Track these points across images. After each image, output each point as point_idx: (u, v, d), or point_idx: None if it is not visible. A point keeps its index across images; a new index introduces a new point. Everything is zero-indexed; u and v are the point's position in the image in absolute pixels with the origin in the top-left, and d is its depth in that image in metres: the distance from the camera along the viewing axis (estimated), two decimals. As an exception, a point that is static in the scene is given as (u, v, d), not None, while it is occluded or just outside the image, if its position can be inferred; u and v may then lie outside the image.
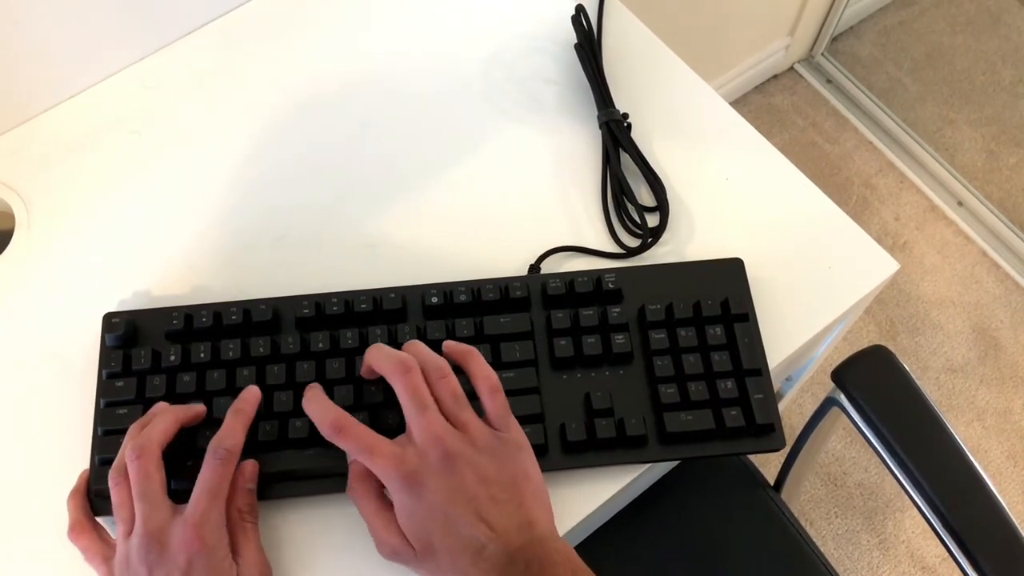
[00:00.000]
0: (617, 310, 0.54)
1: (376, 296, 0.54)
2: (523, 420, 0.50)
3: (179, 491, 0.47)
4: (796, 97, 1.63)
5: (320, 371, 0.52)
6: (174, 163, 0.65)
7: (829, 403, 0.68)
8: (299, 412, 0.51)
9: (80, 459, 0.52)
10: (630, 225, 0.60)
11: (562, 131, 0.65)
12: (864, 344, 0.68)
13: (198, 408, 0.50)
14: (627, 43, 0.69)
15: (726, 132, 0.64)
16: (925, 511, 0.61)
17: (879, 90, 1.60)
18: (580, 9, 0.67)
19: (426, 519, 0.43)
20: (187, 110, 0.67)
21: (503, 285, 0.55)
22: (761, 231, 0.60)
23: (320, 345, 0.53)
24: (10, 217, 0.63)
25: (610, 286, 0.55)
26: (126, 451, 0.46)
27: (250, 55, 0.70)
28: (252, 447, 0.50)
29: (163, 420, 0.48)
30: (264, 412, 0.51)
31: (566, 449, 0.51)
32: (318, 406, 0.47)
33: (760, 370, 0.53)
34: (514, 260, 0.59)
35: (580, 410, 0.52)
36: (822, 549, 0.98)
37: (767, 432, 0.52)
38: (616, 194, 0.61)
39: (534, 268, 0.58)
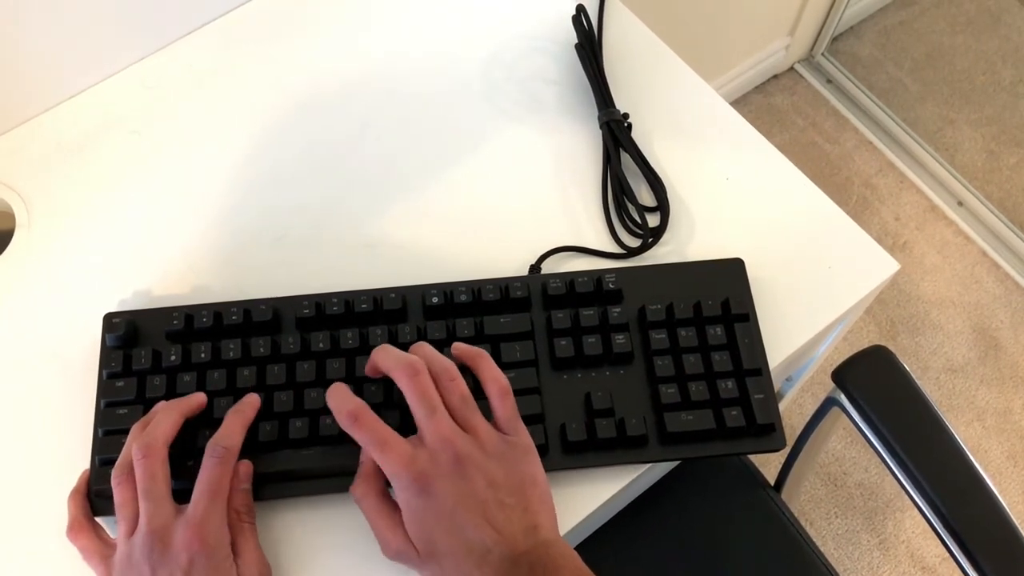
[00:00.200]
0: (617, 310, 0.54)
1: (376, 296, 0.54)
2: (524, 420, 0.50)
3: (179, 491, 0.47)
4: (796, 97, 1.63)
5: (320, 371, 0.52)
6: (174, 163, 0.65)
7: (829, 403, 0.68)
8: (299, 412, 0.51)
9: (80, 459, 0.52)
10: (630, 225, 0.60)
11: (562, 131, 0.65)
12: (864, 344, 0.68)
13: (199, 397, 0.50)
14: (627, 43, 0.69)
15: (726, 132, 0.64)
16: (925, 511, 0.61)
17: (879, 90, 1.60)
18: (580, 9, 0.67)
19: (433, 522, 0.43)
20: (187, 110, 0.67)
21: (503, 285, 0.55)
22: (761, 231, 0.60)
23: (320, 345, 0.53)
24: (10, 217, 0.63)
25: (610, 286, 0.55)
26: (132, 450, 0.46)
27: (250, 55, 0.70)
28: (252, 447, 0.50)
29: (167, 417, 0.48)
30: (264, 412, 0.51)
31: (566, 449, 0.51)
32: (339, 396, 0.46)
33: (760, 370, 0.53)
34: (514, 260, 0.59)
35: (580, 410, 0.52)
36: (822, 549, 0.98)
37: (767, 432, 0.52)
38: (616, 194, 0.61)
39: (534, 268, 0.58)
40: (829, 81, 1.64)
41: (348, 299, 0.54)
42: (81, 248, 0.61)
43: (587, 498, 0.51)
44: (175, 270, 0.60)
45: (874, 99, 1.58)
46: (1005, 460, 1.33)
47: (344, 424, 0.46)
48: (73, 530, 0.48)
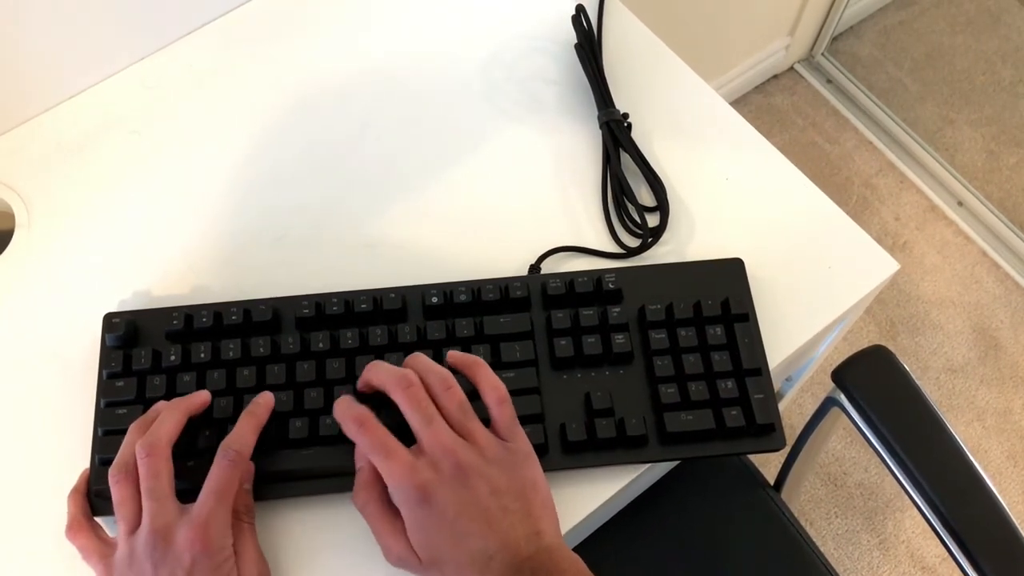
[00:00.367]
0: (617, 310, 0.54)
1: (376, 296, 0.54)
2: (523, 420, 0.50)
3: (179, 491, 0.47)
4: (796, 97, 1.63)
5: (320, 371, 0.52)
6: (174, 163, 0.65)
7: (829, 403, 0.68)
8: (299, 412, 0.51)
9: (80, 459, 0.52)
10: (630, 225, 0.60)
11: (562, 131, 0.65)
12: (864, 344, 0.68)
13: (202, 395, 0.50)
14: (627, 43, 0.69)
15: (726, 132, 0.64)
16: (925, 511, 0.61)
17: (879, 90, 1.60)
18: (580, 9, 0.67)
19: (435, 531, 0.43)
20: (187, 110, 0.67)
21: (503, 285, 0.55)
22: (761, 231, 0.60)
23: (320, 345, 0.53)
24: (10, 217, 0.63)
25: (610, 286, 0.55)
26: (136, 449, 0.46)
27: (250, 55, 0.70)
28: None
29: (171, 416, 0.48)
30: (264, 412, 0.51)
31: (566, 449, 0.51)
32: (344, 403, 0.47)
33: (760, 370, 0.53)
34: (514, 260, 0.59)
35: (580, 410, 0.52)
36: (822, 549, 0.98)
37: (767, 432, 0.52)
38: (616, 194, 0.61)
39: (534, 268, 0.58)
40: (829, 81, 1.64)
41: (348, 299, 0.54)
42: (81, 248, 0.61)
43: (587, 498, 0.51)
44: (175, 270, 0.60)
45: (874, 99, 1.59)
46: (1005, 460, 1.32)
47: (350, 431, 0.46)
48: (72, 529, 0.48)
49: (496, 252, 0.59)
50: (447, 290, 0.54)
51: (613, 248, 0.59)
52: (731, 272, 0.57)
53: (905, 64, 1.64)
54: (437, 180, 0.63)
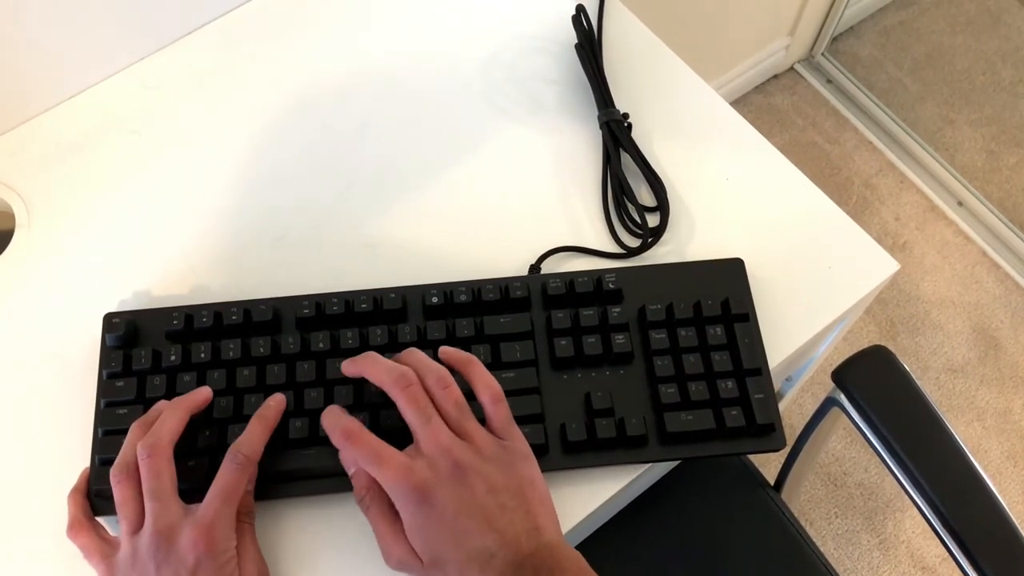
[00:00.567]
0: (617, 310, 0.54)
1: (376, 296, 0.54)
2: (523, 420, 0.50)
3: (180, 491, 0.47)
4: (796, 97, 1.63)
5: (320, 371, 0.52)
6: (174, 163, 0.65)
7: (829, 403, 0.68)
8: (299, 412, 0.51)
9: (80, 459, 0.52)
10: (630, 225, 0.60)
11: (562, 131, 0.65)
12: (864, 344, 0.68)
13: (203, 393, 0.50)
14: (627, 43, 0.69)
15: (726, 132, 0.64)
16: (925, 511, 0.61)
17: (879, 90, 1.60)
18: (580, 9, 0.67)
19: (435, 532, 0.43)
20: (187, 110, 0.67)
21: (503, 285, 0.55)
22: (761, 231, 0.60)
23: (320, 345, 0.53)
24: (10, 217, 0.63)
25: (610, 286, 0.55)
26: (137, 449, 0.46)
27: (250, 55, 0.70)
28: (252, 447, 0.49)
29: (172, 416, 0.48)
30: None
31: (566, 449, 0.51)
32: (333, 416, 0.47)
33: (760, 370, 0.53)
34: (514, 260, 0.59)
35: (580, 410, 0.52)
36: (822, 549, 0.98)
37: (767, 432, 0.52)
38: (616, 194, 0.61)
39: (534, 268, 0.58)
40: (829, 81, 1.64)
41: (348, 299, 0.54)
42: (81, 248, 0.61)
43: (587, 498, 0.51)
44: (175, 270, 0.60)
45: (874, 99, 1.59)
46: (1005, 460, 1.33)
47: (338, 443, 0.46)
48: (73, 529, 0.48)
49: (496, 252, 0.59)
50: (447, 290, 0.54)
51: (613, 248, 0.59)
52: (731, 272, 0.57)
53: (905, 64, 1.64)
54: (437, 180, 0.63)
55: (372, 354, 0.49)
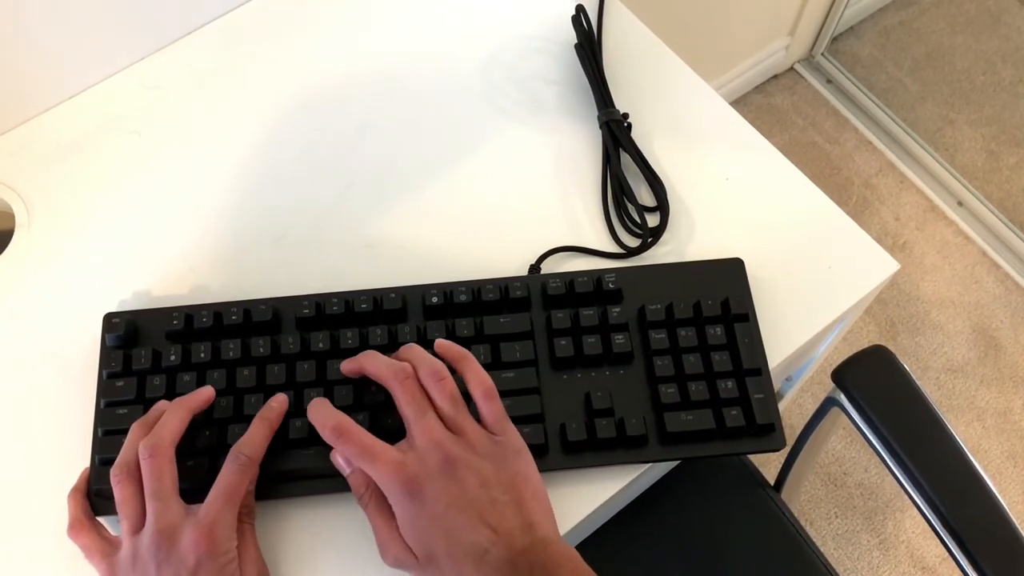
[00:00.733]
0: (617, 310, 0.54)
1: (376, 296, 0.54)
2: (523, 420, 0.50)
3: (181, 490, 0.47)
4: (796, 97, 1.63)
5: (320, 371, 0.52)
6: (174, 163, 0.65)
7: (829, 403, 0.68)
8: (299, 412, 0.51)
9: (80, 459, 0.52)
10: (630, 225, 0.60)
11: (562, 131, 0.65)
12: (864, 344, 0.68)
13: (206, 392, 0.50)
14: (627, 43, 0.69)
15: (726, 132, 0.64)
16: (925, 511, 0.61)
17: (879, 90, 1.60)
18: (580, 9, 0.67)
19: (427, 526, 0.43)
20: (187, 110, 0.67)
21: (503, 285, 0.55)
22: (761, 231, 0.60)
23: (320, 345, 0.53)
24: (10, 217, 0.63)
25: (610, 286, 0.55)
26: (139, 450, 0.46)
27: (250, 55, 0.70)
28: (252, 447, 0.49)
29: (174, 416, 0.48)
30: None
31: (566, 449, 0.51)
32: (321, 411, 0.47)
33: (760, 370, 0.53)
34: (514, 260, 0.59)
35: (580, 410, 0.52)
36: (822, 549, 0.98)
37: (767, 432, 0.52)
38: (616, 194, 0.61)
39: (534, 268, 0.58)
40: (829, 81, 1.64)
41: (348, 299, 0.54)
42: (81, 248, 0.61)
43: (587, 498, 0.51)
44: (175, 270, 0.60)
45: (874, 99, 1.59)
46: (1005, 460, 1.33)
47: (328, 439, 0.46)
48: (74, 529, 0.48)
49: (496, 252, 0.59)
50: (447, 290, 0.54)
51: (613, 248, 0.59)
52: (731, 272, 0.57)
53: (905, 64, 1.64)
54: (437, 180, 0.63)
55: (370, 351, 0.49)
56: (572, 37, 0.68)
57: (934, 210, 1.52)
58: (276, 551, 0.50)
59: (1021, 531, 0.58)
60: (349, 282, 0.57)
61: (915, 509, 0.62)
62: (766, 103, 1.63)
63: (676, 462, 0.60)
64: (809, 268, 0.58)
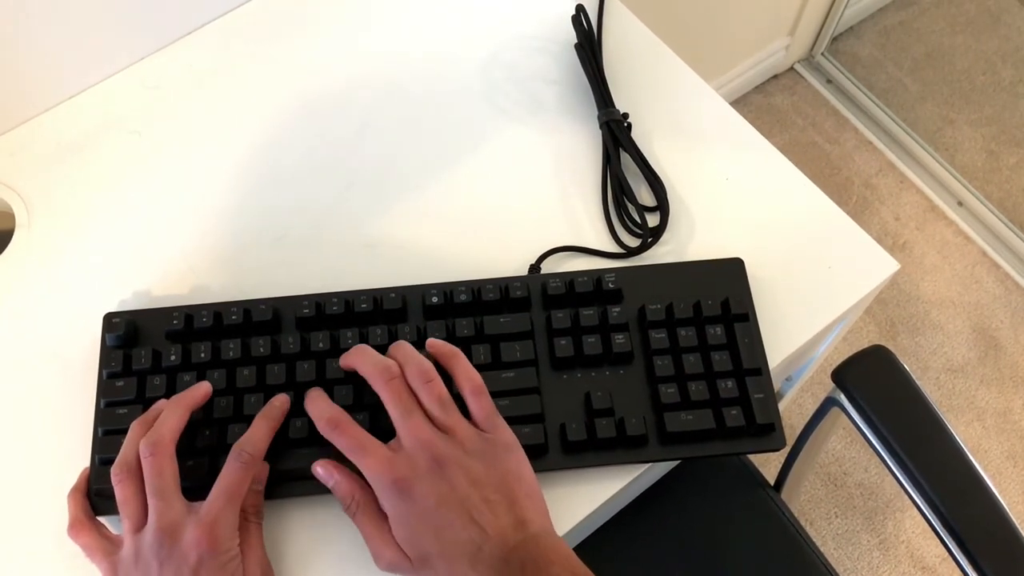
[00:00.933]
0: (617, 310, 0.54)
1: (376, 296, 0.54)
2: (523, 420, 0.50)
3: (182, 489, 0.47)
4: (796, 97, 1.63)
5: (320, 371, 0.52)
6: (174, 163, 0.65)
7: (829, 403, 0.68)
8: (299, 412, 0.51)
9: (80, 459, 0.52)
10: (630, 225, 0.60)
11: (562, 131, 0.65)
12: (864, 344, 0.68)
13: (203, 387, 0.50)
14: (627, 43, 0.69)
15: (726, 132, 0.64)
16: (925, 511, 0.61)
17: (879, 90, 1.60)
18: (580, 9, 0.67)
19: (418, 525, 0.43)
20: (187, 110, 0.67)
21: (503, 285, 0.55)
22: (761, 231, 0.60)
23: (320, 345, 0.53)
24: (10, 217, 0.63)
25: (610, 286, 0.55)
26: (140, 448, 0.47)
27: (250, 55, 0.70)
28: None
29: (173, 413, 0.48)
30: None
31: (566, 449, 0.51)
32: (318, 403, 0.48)
33: (760, 370, 0.53)
34: (514, 260, 0.59)
35: (580, 410, 0.52)
36: (822, 549, 0.98)
37: (767, 432, 0.52)
38: (616, 194, 0.61)
39: (534, 268, 0.58)
40: (829, 81, 1.64)
41: (348, 299, 0.54)
42: (81, 248, 0.61)
43: (587, 498, 0.51)
44: (175, 270, 0.60)
45: (874, 99, 1.59)
46: (1005, 460, 1.33)
47: (323, 431, 0.46)
48: (75, 528, 0.48)
49: (496, 252, 0.59)
50: (447, 290, 0.54)
51: (613, 248, 0.59)
52: (731, 272, 0.57)
53: (905, 64, 1.64)
54: (437, 180, 0.63)
55: (362, 346, 0.49)
56: (572, 37, 0.68)
57: (934, 210, 1.52)
58: (276, 550, 0.50)
59: (1021, 531, 0.58)
60: (349, 282, 0.57)
61: (915, 509, 0.62)
62: (766, 103, 1.63)
63: (676, 462, 0.60)
64: (809, 268, 0.58)
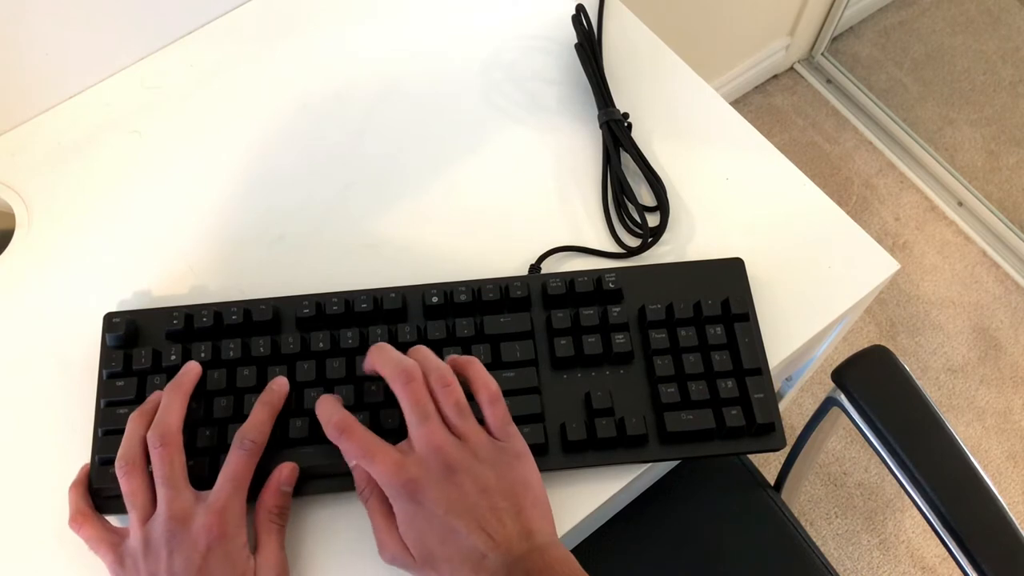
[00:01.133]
0: (617, 310, 0.54)
1: (376, 296, 0.54)
2: (523, 420, 0.50)
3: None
4: (796, 97, 1.63)
5: (320, 371, 0.52)
6: (174, 163, 0.65)
7: (829, 403, 0.68)
8: (299, 412, 0.51)
9: (80, 459, 0.52)
10: (630, 225, 0.60)
11: (562, 131, 0.65)
12: (864, 344, 0.68)
13: (193, 369, 0.51)
14: (627, 43, 0.69)
15: (726, 132, 0.64)
16: (925, 511, 0.61)
17: (879, 90, 1.60)
18: (580, 9, 0.67)
19: (425, 528, 0.43)
20: (187, 110, 0.67)
21: (503, 285, 0.55)
22: (761, 231, 0.60)
23: (320, 345, 0.53)
24: (10, 217, 0.63)
25: (610, 286, 0.55)
26: (148, 439, 0.47)
27: (250, 55, 0.70)
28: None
29: (174, 401, 0.48)
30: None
31: (566, 449, 0.51)
32: (327, 407, 0.47)
33: (760, 370, 0.53)
34: (514, 260, 0.59)
35: (580, 410, 0.52)
36: (822, 549, 0.98)
37: (767, 432, 0.52)
38: (616, 194, 0.61)
39: (534, 268, 0.58)
40: (829, 81, 1.64)
41: (348, 299, 0.54)
42: (81, 248, 0.61)
43: (587, 498, 0.51)
44: (175, 270, 0.60)
45: (874, 99, 1.59)
46: (1005, 460, 1.33)
47: (331, 436, 0.46)
48: (76, 521, 0.48)
49: (496, 252, 0.59)
50: (447, 290, 0.54)
51: (613, 248, 0.59)
52: (731, 272, 0.57)
53: (905, 64, 1.64)
54: (437, 180, 0.63)
55: (382, 345, 0.49)
56: (572, 37, 0.68)
57: (934, 210, 1.52)
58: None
59: (1021, 531, 0.58)
60: (349, 282, 0.57)
61: (915, 509, 0.62)
62: (766, 103, 1.63)
63: (676, 462, 0.60)
64: (809, 268, 0.58)
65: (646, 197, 0.62)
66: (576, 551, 0.45)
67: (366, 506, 0.47)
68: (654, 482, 0.74)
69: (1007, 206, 1.49)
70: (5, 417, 0.55)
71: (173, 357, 0.53)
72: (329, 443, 0.49)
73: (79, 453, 0.52)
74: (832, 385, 0.66)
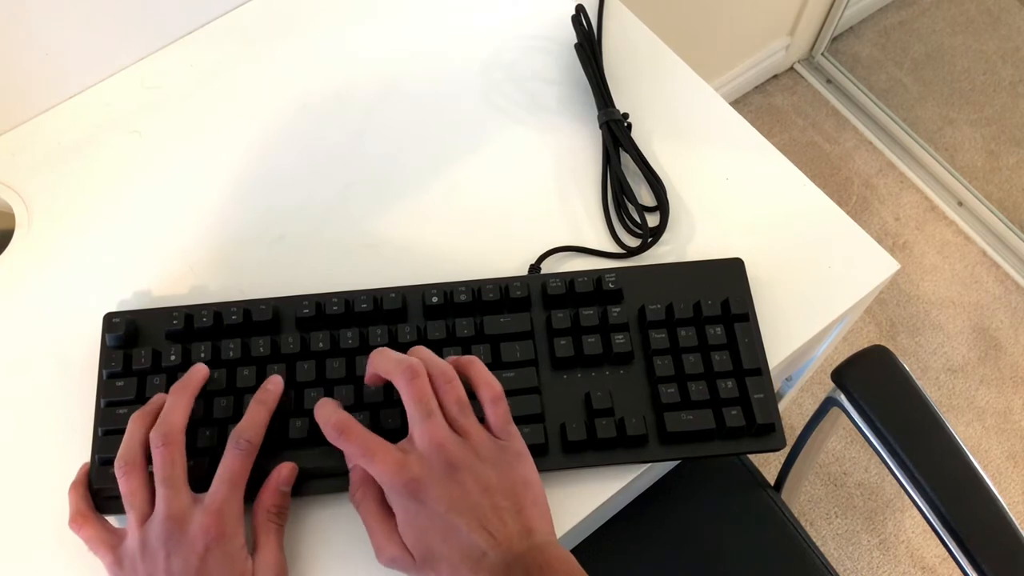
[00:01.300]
0: (617, 310, 0.54)
1: (376, 296, 0.54)
2: (523, 420, 0.50)
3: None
4: (796, 97, 1.63)
5: (320, 371, 0.52)
6: (174, 163, 0.65)
7: (829, 403, 0.68)
8: (299, 412, 0.51)
9: (80, 459, 0.52)
10: (630, 225, 0.60)
11: (562, 131, 0.65)
12: (864, 344, 0.68)
13: (200, 371, 0.50)
14: (627, 43, 0.69)
15: (726, 132, 0.64)
16: (925, 511, 0.61)
17: (879, 90, 1.60)
18: (580, 9, 0.67)
19: (426, 527, 0.43)
20: (187, 110, 0.67)
21: (503, 285, 0.55)
22: (761, 231, 0.60)
23: (320, 345, 0.53)
24: (10, 217, 0.63)
25: (610, 286, 0.55)
26: (151, 439, 0.47)
27: (250, 55, 0.70)
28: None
29: (179, 402, 0.48)
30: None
31: (566, 449, 0.51)
32: (325, 410, 0.47)
33: (760, 370, 0.53)
34: (514, 260, 0.59)
35: (580, 410, 0.52)
36: (822, 549, 0.99)
37: (767, 432, 0.52)
38: (616, 194, 0.61)
39: (534, 268, 0.58)
40: (829, 81, 1.64)
41: (348, 299, 0.54)
42: (81, 248, 0.61)
43: (587, 498, 0.51)
44: (175, 270, 0.60)
45: (874, 99, 1.59)
46: (1005, 460, 1.33)
47: (331, 437, 0.46)
48: (76, 522, 0.48)
49: (496, 252, 0.59)
50: (447, 290, 0.54)
51: (613, 248, 0.59)
52: (731, 272, 0.57)
53: (905, 64, 1.64)
54: (437, 180, 0.63)
55: (382, 348, 0.49)
56: (572, 37, 0.68)
57: (934, 210, 1.52)
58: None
59: (1021, 531, 0.58)
60: (349, 282, 0.57)
61: (915, 509, 0.62)
62: (766, 103, 1.63)
63: (676, 462, 0.60)
64: (809, 268, 0.58)
65: (646, 197, 0.62)
66: (576, 551, 0.45)
67: (358, 510, 0.46)
68: (654, 482, 0.74)
69: (1007, 206, 1.49)
70: (5, 417, 0.55)
71: (173, 357, 0.53)
72: (328, 443, 0.49)
73: (79, 453, 0.52)
74: (832, 385, 0.66)
